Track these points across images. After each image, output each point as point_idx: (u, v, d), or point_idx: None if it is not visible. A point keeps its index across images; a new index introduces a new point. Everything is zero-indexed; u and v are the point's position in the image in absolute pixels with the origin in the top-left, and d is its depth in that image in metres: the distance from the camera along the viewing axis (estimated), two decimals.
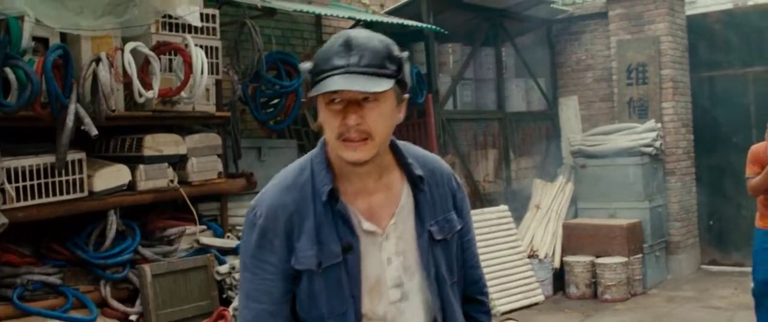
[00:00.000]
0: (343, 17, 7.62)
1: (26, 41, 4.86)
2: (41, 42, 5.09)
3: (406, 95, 1.99)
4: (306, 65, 1.91)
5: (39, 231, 5.37)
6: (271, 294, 1.96)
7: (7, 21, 4.78)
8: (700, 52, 9.83)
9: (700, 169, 9.93)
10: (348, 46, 1.85)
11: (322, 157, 1.98)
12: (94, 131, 4.73)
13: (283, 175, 2.04)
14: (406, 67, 1.93)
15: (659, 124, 9.29)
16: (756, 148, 5.86)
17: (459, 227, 2.12)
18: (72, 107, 4.70)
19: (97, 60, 4.91)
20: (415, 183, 2.05)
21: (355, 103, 1.86)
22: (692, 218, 9.83)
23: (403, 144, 2.10)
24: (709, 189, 9.91)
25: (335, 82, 1.81)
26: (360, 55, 1.84)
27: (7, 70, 4.55)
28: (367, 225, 1.98)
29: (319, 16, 8.34)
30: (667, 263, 9.41)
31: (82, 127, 4.74)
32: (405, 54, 1.95)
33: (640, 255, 8.72)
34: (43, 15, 5.09)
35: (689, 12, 9.85)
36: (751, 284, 6.03)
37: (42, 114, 4.71)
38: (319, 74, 1.86)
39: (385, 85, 1.85)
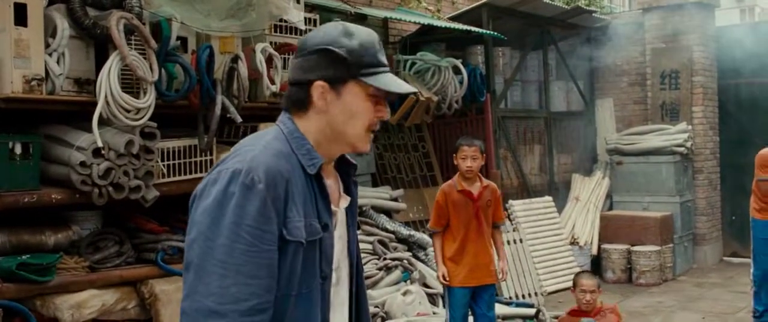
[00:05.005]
0: (411, 21, 8.45)
1: (173, 40, 5.69)
2: (180, 41, 5.92)
3: None
4: (341, 51, 1.93)
5: (164, 205, 6.19)
6: (270, 267, 1.83)
7: (159, 22, 5.62)
8: (727, 60, 10.64)
9: (724, 168, 10.80)
10: (381, 45, 2.00)
11: (299, 133, 1.98)
12: (239, 119, 5.56)
13: (262, 142, 1.95)
14: None
15: (690, 127, 10.13)
16: (765, 153, 6.66)
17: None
18: (219, 98, 5.52)
19: (235, 59, 5.73)
20: (350, 173, 2.15)
21: (385, 100, 2.01)
22: (716, 213, 10.71)
23: None
24: (732, 187, 10.75)
25: (396, 82, 1.98)
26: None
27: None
28: (333, 205, 2.02)
29: (385, 19, 9.16)
30: (694, 253, 10.30)
31: (228, 116, 5.56)
32: None
33: (670, 245, 9.60)
34: (184, 17, 5.91)
35: (719, 24, 10.71)
36: (752, 271, 6.89)
37: (194, 104, 5.53)
38: (369, 66, 1.94)
39: None
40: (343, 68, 1.92)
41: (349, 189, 2.14)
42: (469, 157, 5.45)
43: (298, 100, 1.99)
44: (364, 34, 1.97)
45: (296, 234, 1.87)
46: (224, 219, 1.80)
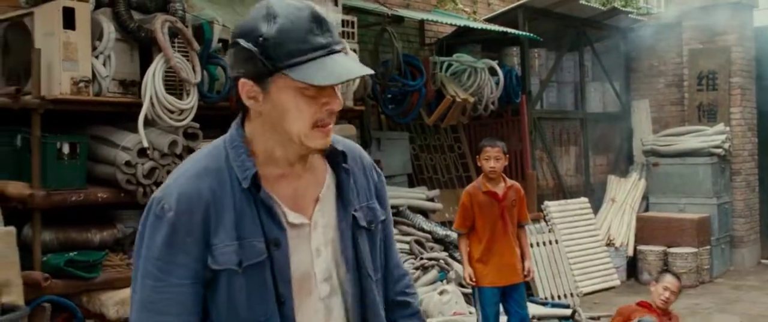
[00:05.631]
0: (448, 23, 8.51)
1: (214, 43, 5.80)
2: (221, 43, 6.02)
3: None
4: (247, 43, 1.66)
5: None
6: (182, 304, 1.68)
7: (201, 25, 5.73)
8: (766, 61, 10.54)
9: (763, 170, 10.71)
10: (319, 21, 1.65)
11: (238, 141, 1.75)
12: None
13: (191, 161, 1.78)
14: None
15: (727, 128, 10.06)
16: None
17: (382, 218, 1.94)
18: None
19: None
20: (338, 161, 1.85)
21: (336, 86, 1.69)
22: (755, 215, 10.63)
23: None
24: None
25: (333, 66, 1.65)
26: (332, 32, 1.68)
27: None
28: (293, 216, 1.77)
29: (422, 21, 9.23)
30: (731, 255, 10.23)
31: None
32: None
33: (708, 247, 9.54)
34: (225, 20, 6.02)
35: (757, 24, 10.63)
36: None
37: (235, 105, 5.63)
38: (292, 56, 1.64)
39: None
40: (261, 62, 1.65)
41: (341, 185, 1.86)
42: (492, 158, 5.49)
43: (238, 100, 1.75)
44: (288, 15, 1.65)
45: (224, 261, 1.68)
46: (141, 252, 1.70)
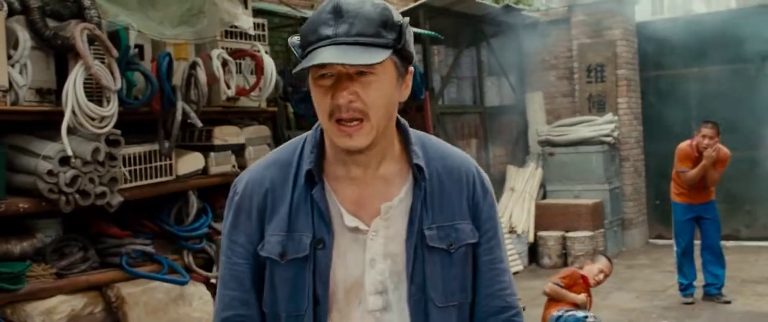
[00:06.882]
0: None
1: (131, 49, 5.81)
2: (137, 49, 6.03)
3: (411, 68, 1.76)
4: (295, 40, 1.73)
5: (125, 210, 6.30)
6: (240, 281, 1.79)
7: (116, 31, 5.73)
8: (647, 54, 11.24)
9: (648, 156, 11.41)
10: (337, 13, 1.64)
11: (315, 136, 1.79)
12: (199, 124, 5.72)
13: (274, 151, 1.88)
14: (408, 35, 1.69)
15: (616, 117, 10.69)
16: (684, 147, 7.42)
17: (471, 241, 1.82)
18: (179, 104, 5.68)
19: (194, 65, 5.88)
20: (415, 175, 1.79)
21: (347, 78, 1.64)
22: (642, 198, 11.32)
23: (418, 132, 1.87)
24: (656, 173, 11.36)
25: (320, 55, 1.61)
26: (350, 22, 1.62)
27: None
28: (349, 219, 1.75)
29: None
30: (623, 237, 10.87)
31: (189, 120, 5.72)
32: (405, 19, 1.69)
33: (602, 230, 10.13)
34: (140, 25, 6.02)
35: (638, 19, 11.31)
36: (675, 249, 7.73)
37: (156, 110, 5.67)
38: (306, 47, 1.67)
39: (380, 55, 1.62)
40: (298, 55, 1.72)
41: (416, 198, 1.79)
42: None
43: None
44: (318, 9, 1.69)
45: (269, 250, 1.76)
46: (222, 232, 1.88)
